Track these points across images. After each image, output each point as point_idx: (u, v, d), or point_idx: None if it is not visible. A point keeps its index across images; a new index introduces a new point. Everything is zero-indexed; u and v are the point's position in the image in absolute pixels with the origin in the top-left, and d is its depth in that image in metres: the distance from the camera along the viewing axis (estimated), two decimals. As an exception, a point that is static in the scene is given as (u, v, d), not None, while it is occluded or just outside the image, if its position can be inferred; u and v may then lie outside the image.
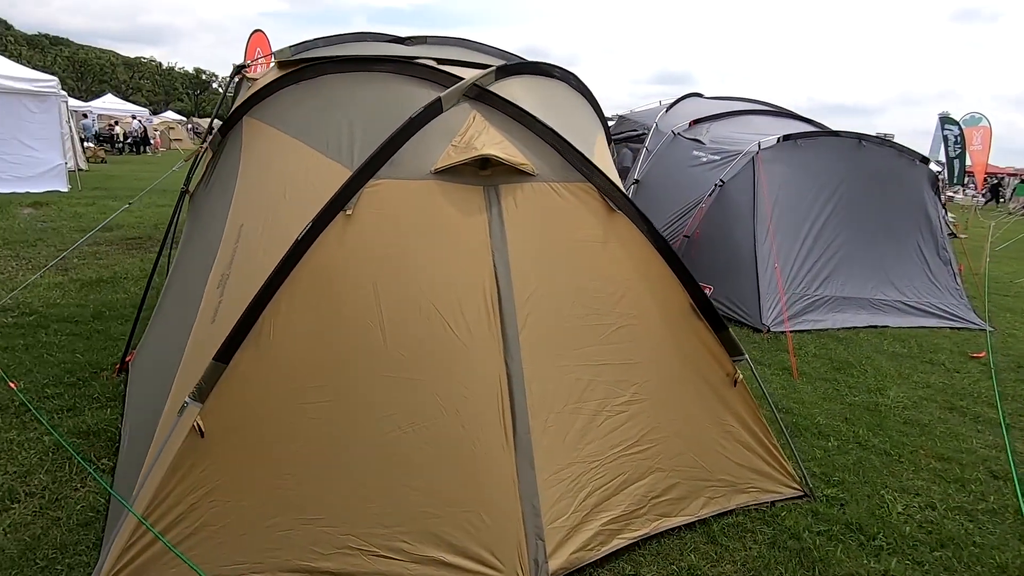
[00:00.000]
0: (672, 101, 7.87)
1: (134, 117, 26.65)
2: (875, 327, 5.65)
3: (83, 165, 15.47)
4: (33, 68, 14.40)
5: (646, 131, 7.56)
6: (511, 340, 2.26)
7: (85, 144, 18.74)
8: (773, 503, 2.62)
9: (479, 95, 2.55)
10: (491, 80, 2.67)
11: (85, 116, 22.50)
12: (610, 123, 8.93)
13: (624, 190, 4.65)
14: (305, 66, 3.09)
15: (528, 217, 2.43)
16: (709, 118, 6.99)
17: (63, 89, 12.60)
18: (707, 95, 8.46)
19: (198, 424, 1.98)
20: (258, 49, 9.62)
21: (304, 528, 2.03)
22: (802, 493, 2.70)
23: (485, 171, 2.41)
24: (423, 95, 2.50)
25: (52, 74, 12.74)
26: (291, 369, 2.10)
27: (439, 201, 2.34)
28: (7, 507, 2.36)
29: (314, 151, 2.69)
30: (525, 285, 2.35)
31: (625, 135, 8.31)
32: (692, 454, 2.53)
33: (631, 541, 2.29)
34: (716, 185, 5.90)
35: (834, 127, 6.53)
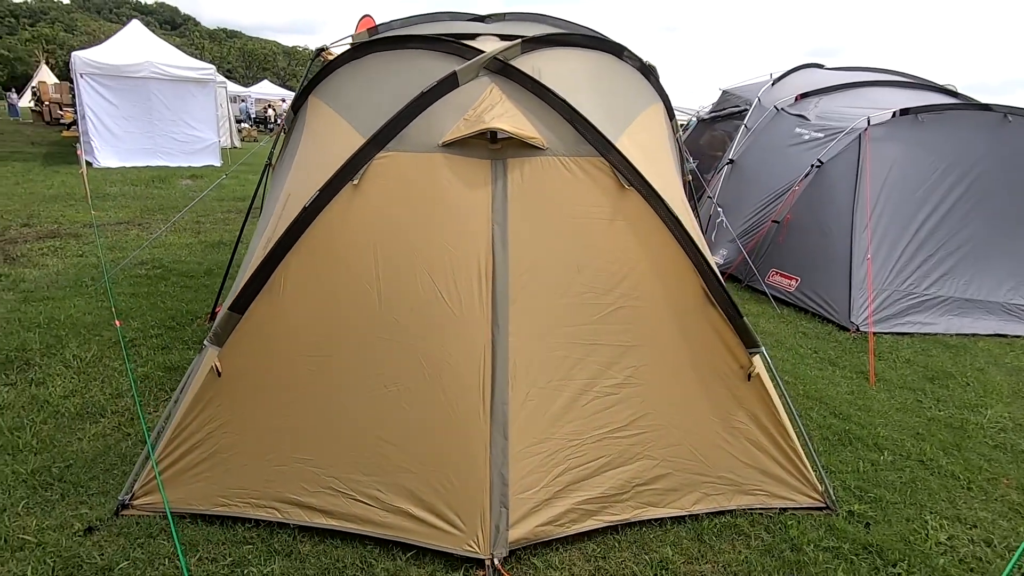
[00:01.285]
0: (781, 73, 7.16)
1: (283, 100, 29.70)
2: (1003, 336, 4.82)
3: (236, 143, 17.61)
4: (212, 58, 16.55)
5: (748, 107, 6.99)
6: (500, 312, 2.29)
7: (242, 125, 21.28)
8: (783, 510, 2.41)
9: (501, 69, 2.56)
10: (516, 53, 2.67)
11: (243, 100, 25.53)
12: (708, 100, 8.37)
13: (689, 172, 4.39)
14: (356, 46, 3.29)
15: (532, 191, 2.42)
16: (820, 91, 6.27)
17: (234, 77, 14.40)
18: (828, 67, 7.57)
19: (216, 365, 2.28)
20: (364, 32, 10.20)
21: (296, 466, 2.26)
22: (822, 504, 2.45)
23: (495, 145, 2.43)
24: (449, 70, 2.55)
25: (226, 63, 14.58)
26: (297, 323, 2.32)
27: (444, 174, 2.41)
28: (96, 420, 2.88)
29: (351, 127, 2.87)
30: (521, 259, 2.36)
31: (727, 112, 7.75)
32: (689, 446, 2.40)
33: (607, 524, 2.25)
34: (813, 166, 5.33)
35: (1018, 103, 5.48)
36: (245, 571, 1.99)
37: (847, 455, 2.88)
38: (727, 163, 6.72)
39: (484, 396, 2.22)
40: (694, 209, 4.87)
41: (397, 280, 2.32)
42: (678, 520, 2.32)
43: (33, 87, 27.11)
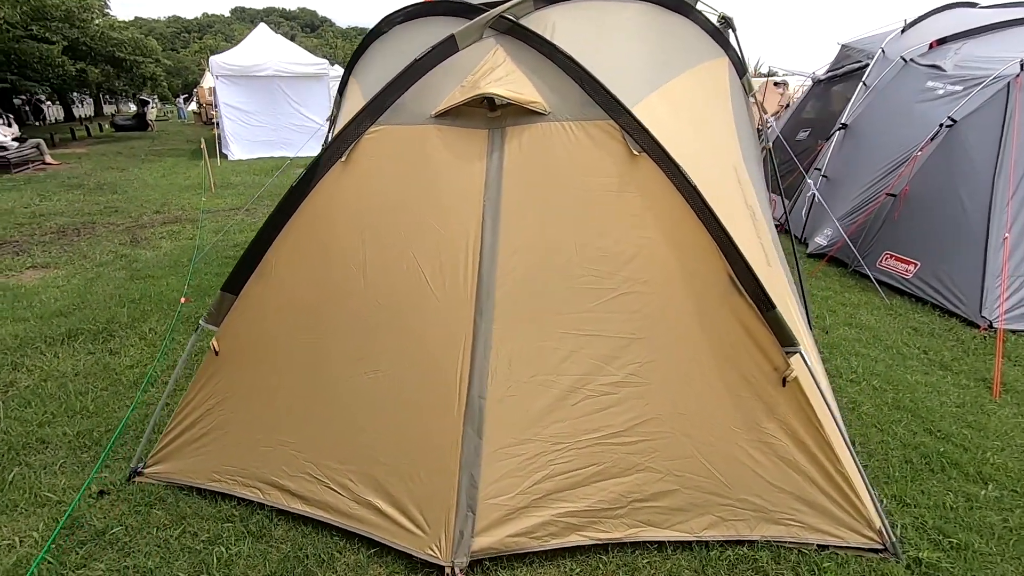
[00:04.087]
0: (916, 17, 5.99)
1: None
2: None
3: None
4: (344, 56, 17.67)
5: (870, 62, 5.95)
6: (485, 298, 2.08)
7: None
8: (822, 547, 1.96)
9: (510, 28, 2.32)
10: (528, 9, 2.41)
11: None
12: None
13: (766, 140, 3.79)
14: (382, 19, 3.20)
15: (531, 162, 2.17)
16: (963, 35, 5.14)
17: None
18: (983, 4, 6.20)
19: (213, 344, 2.32)
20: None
21: (281, 448, 2.24)
22: (878, 546, 1.95)
23: (494, 112, 2.20)
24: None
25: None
26: (287, 304, 2.29)
27: (436, 147, 2.23)
28: (147, 390, 3.12)
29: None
30: (512, 239, 2.12)
31: (846, 69, 6.68)
32: (703, 460, 2.02)
33: (596, 543, 1.97)
34: (943, 125, 4.37)
35: None
36: (215, 549, 2.01)
37: (934, 485, 2.29)
38: (839, 128, 5.80)
39: (460, 389, 2.03)
40: (776, 183, 4.20)
41: (383, 262, 2.19)
42: (683, 546, 1.98)
43: (195, 92, 30.93)
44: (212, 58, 13.48)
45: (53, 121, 25.10)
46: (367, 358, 2.17)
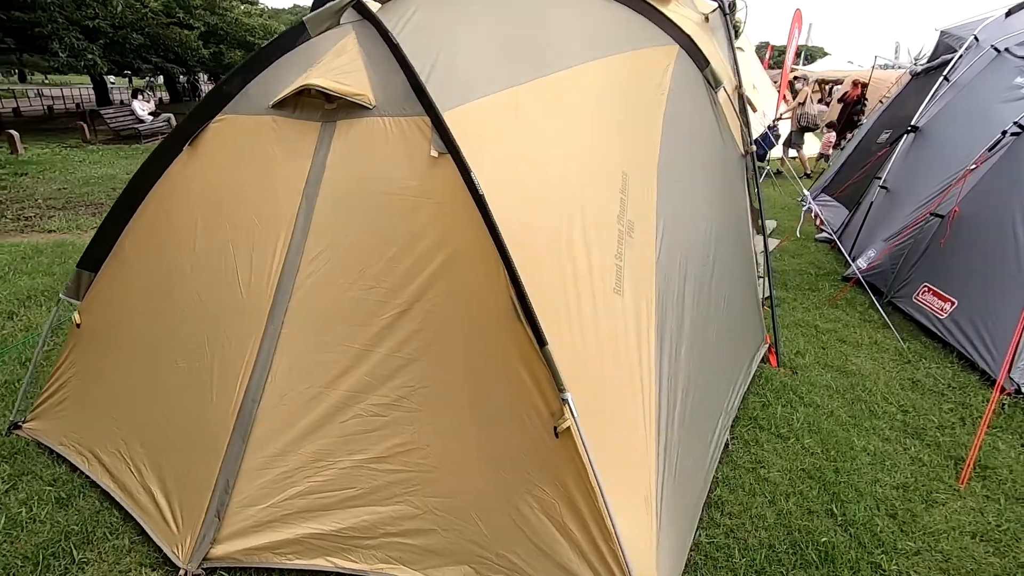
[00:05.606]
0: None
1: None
2: None
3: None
4: None
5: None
6: (280, 301, 2.01)
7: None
8: (579, 630, 1.65)
9: (368, 15, 2.20)
10: (389, -7, 2.28)
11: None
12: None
13: (753, 137, 3.28)
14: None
15: (350, 160, 2.05)
16: (1080, 17, 4.04)
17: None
18: None
19: (74, 318, 2.48)
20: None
21: (108, 422, 2.34)
22: (644, 641, 1.61)
23: (331, 104, 2.11)
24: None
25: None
26: (133, 287, 2.38)
27: (270, 139, 2.19)
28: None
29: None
30: (317, 243, 2.03)
31: (940, 61, 5.59)
32: (466, 505, 1.80)
33: (340, 571, 1.83)
34: (1006, 133, 3.48)
35: None
36: (20, 509, 2.15)
37: (788, 582, 1.84)
38: (906, 131, 4.87)
39: (238, 393, 1.98)
40: (755, 185, 3.57)
41: (208, 255, 2.20)
42: (428, 594, 1.78)
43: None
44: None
45: (206, 98, 28.46)
46: (178, 348, 2.20)
